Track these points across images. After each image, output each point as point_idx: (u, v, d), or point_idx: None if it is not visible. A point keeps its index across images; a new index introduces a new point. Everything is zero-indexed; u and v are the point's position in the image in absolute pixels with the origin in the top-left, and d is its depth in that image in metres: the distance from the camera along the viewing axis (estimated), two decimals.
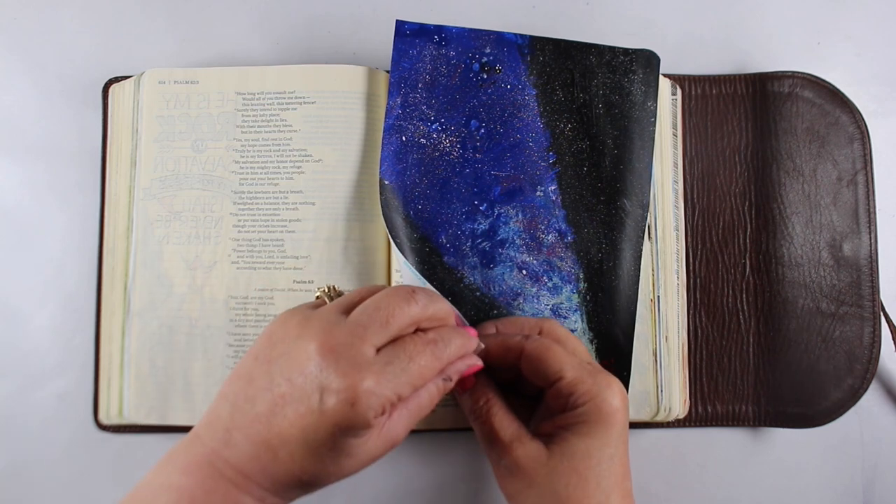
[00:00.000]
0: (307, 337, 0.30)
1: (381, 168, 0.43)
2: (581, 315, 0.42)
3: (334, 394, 0.29)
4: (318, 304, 0.34)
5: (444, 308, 0.34)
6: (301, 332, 0.30)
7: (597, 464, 0.33)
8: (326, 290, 0.35)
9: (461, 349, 0.34)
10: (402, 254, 0.42)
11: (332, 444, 0.30)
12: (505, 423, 0.35)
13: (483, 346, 0.36)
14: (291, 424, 0.29)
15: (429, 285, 0.42)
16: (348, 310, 0.32)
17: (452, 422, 0.43)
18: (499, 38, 0.43)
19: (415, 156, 0.43)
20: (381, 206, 0.42)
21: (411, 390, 0.31)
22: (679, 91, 0.46)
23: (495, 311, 0.42)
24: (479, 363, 0.35)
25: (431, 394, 0.33)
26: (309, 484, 0.31)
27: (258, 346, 0.32)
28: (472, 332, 0.35)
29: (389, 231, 0.42)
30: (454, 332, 0.34)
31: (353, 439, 0.30)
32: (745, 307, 0.45)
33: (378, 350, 0.30)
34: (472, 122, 0.43)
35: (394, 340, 0.31)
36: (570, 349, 0.36)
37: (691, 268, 0.46)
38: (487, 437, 0.36)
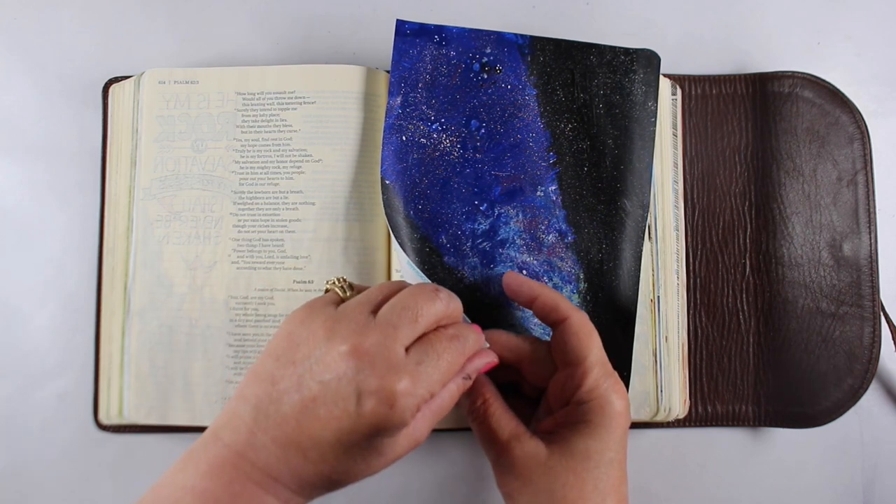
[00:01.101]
0: (338, 339, 0.30)
1: (381, 168, 0.43)
2: None
3: (372, 396, 0.29)
4: (331, 298, 0.34)
5: (459, 306, 0.34)
6: (330, 334, 0.30)
7: (595, 466, 0.33)
8: (337, 282, 0.34)
9: (477, 343, 0.34)
10: (404, 253, 0.42)
11: (367, 444, 0.30)
12: (503, 421, 0.35)
13: (489, 344, 0.36)
14: (324, 426, 0.29)
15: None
16: (374, 308, 0.32)
17: (452, 422, 0.43)
18: (499, 38, 0.43)
19: (415, 155, 0.43)
20: (383, 206, 0.42)
21: (441, 387, 0.31)
22: (679, 91, 0.46)
23: (495, 312, 0.42)
24: (495, 360, 0.35)
25: (452, 392, 0.33)
26: (337, 482, 0.31)
27: (278, 347, 0.31)
28: (477, 328, 0.36)
29: (391, 230, 0.42)
30: (467, 327, 0.34)
31: (386, 439, 0.30)
32: (745, 307, 0.45)
33: (406, 349, 0.31)
34: (473, 122, 0.43)
35: (419, 338, 0.32)
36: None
37: (691, 268, 0.46)
38: (486, 436, 0.36)
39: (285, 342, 0.31)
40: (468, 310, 0.41)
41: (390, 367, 0.29)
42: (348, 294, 0.34)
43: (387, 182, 0.42)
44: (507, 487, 0.35)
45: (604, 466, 0.33)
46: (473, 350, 0.34)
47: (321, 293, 0.43)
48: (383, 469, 0.32)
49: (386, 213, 0.42)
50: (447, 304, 0.33)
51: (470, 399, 0.37)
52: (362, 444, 0.30)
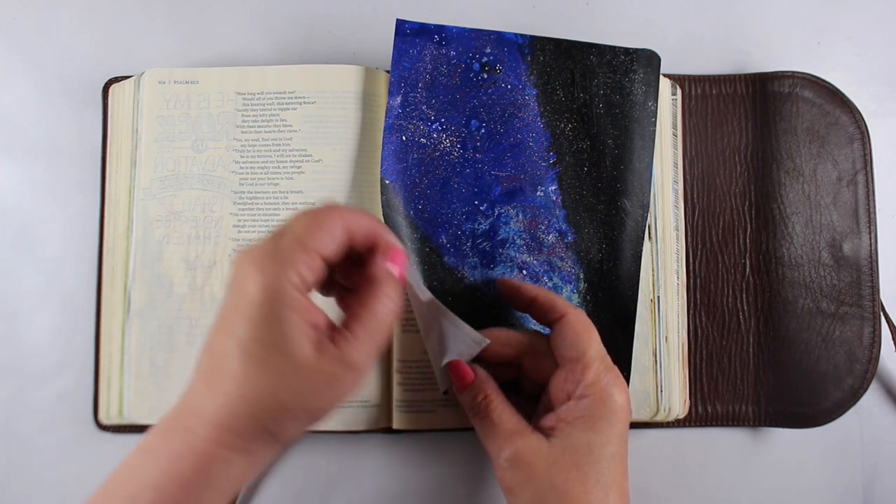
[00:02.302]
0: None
1: (381, 167, 0.43)
2: None
3: (239, 275, 0.29)
4: None
5: (362, 217, 0.32)
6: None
7: (597, 460, 0.33)
8: None
9: (369, 216, 0.32)
10: None
11: (260, 336, 0.28)
12: (504, 416, 0.35)
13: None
14: (221, 332, 0.30)
15: (426, 288, 0.42)
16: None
17: (452, 422, 0.43)
18: (499, 38, 0.43)
19: (415, 155, 0.43)
20: (382, 206, 0.42)
21: (307, 246, 0.29)
22: (679, 91, 0.46)
23: (495, 312, 0.42)
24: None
25: (386, 306, 0.31)
26: (270, 412, 0.29)
27: None
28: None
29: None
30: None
31: (279, 328, 0.28)
32: (745, 307, 0.45)
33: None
34: (473, 121, 0.43)
35: None
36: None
37: (691, 268, 0.46)
38: (488, 432, 0.36)
39: None
40: (468, 310, 0.41)
41: (251, 251, 0.30)
42: None
43: (386, 182, 0.42)
44: (508, 482, 0.35)
45: (605, 461, 0.33)
46: (331, 210, 0.31)
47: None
48: (324, 411, 0.30)
49: (384, 213, 0.42)
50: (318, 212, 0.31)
51: (471, 395, 0.37)
52: (255, 336, 0.28)
